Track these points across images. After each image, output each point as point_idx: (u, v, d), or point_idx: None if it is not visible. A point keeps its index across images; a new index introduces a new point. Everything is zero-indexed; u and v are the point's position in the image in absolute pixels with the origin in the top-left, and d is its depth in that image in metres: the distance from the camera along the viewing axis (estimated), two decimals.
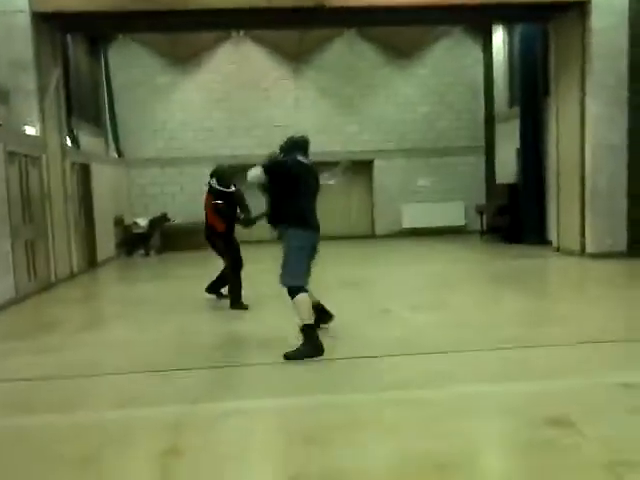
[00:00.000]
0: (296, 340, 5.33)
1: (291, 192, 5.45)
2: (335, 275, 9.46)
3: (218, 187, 7.65)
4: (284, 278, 5.38)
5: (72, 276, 10.92)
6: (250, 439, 3.63)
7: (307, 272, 5.50)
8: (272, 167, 5.47)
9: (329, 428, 3.69)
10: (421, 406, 4.00)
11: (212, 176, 7.84)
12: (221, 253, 7.87)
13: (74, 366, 5.34)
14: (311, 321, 5.31)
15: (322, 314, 5.91)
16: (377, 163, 16.72)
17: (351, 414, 3.92)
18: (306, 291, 5.40)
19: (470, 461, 3.25)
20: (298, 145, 5.68)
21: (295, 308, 5.35)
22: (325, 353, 5.23)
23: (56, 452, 3.53)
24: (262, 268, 8.02)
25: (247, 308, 7.41)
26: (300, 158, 5.57)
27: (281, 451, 3.42)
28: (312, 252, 5.53)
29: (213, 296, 8.03)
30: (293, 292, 5.34)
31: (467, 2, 10.29)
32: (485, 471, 3.19)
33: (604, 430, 3.48)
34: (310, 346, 5.20)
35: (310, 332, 5.26)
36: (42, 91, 10.11)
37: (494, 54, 15.90)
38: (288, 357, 5.14)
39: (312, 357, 5.15)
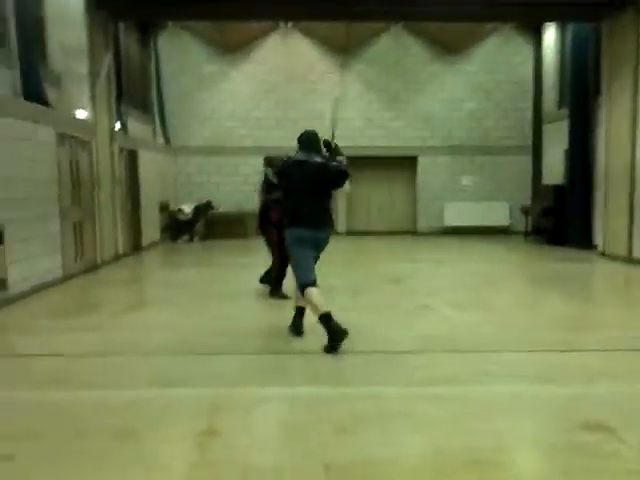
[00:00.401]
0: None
1: (284, 192, 5.70)
2: (376, 270, 9.46)
3: (272, 178, 7.58)
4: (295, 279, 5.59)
5: (117, 258, 11.16)
6: (285, 425, 3.68)
7: (309, 268, 5.51)
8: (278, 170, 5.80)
9: (362, 419, 3.71)
10: (456, 402, 3.98)
11: (267, 166, 7.84)
12: (272, 244, 7.72)
13: (116, 345, 5.47)
14: (324, 310, 5.29)
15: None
16: (421, 160, 16.62)
17: (384, 406, 3.93)
18: (312, 285, 5.41)
19: (504, 460, 3.23)
20: (300, 142, 5.73)
21: (307, 304, 5.50)
22: (363, 346, 5.26)
23: (96, 426, 3.63)
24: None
25: (287, 297, 7.45)
26: (299, 155, 5.63)
27: (314, 439, 3.45)
28: (311, 247, 5.52)
29: (266, 286, 7.92)
30: (301, 289, 5.48)
31: None
32: (519, 471, 3.17)
33: None
34: (333, 333, 5.21)
35: (327, 321, 5.26)
36: (93, 76, 10.33)
37: (544, 53, 15.62)
38: (328, 351, 5.19)
39: (341, 341, 5.17)
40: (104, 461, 3.19)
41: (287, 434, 3.56)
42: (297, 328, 5.77)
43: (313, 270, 5.58)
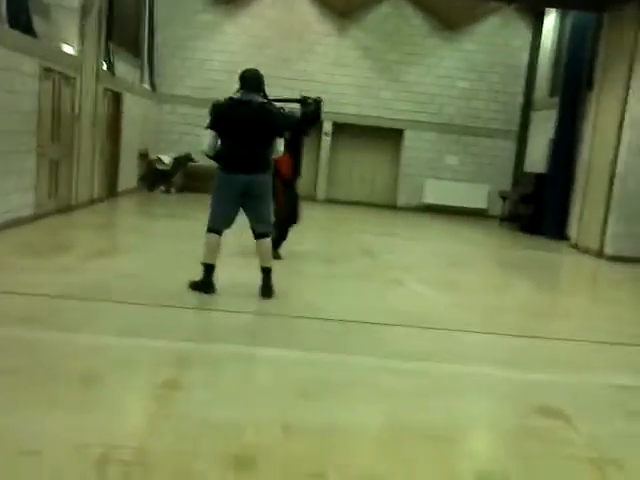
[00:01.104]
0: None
1: (221, 134, 5.44)
2: (352, 240, 9.48)
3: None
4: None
5: (92, 202, 11.00)
6: (249, 384, 3.70)
7: (221, 214, 5.50)
8: (211, 109, 5.48)
9: (326, 384, 3.75)
10: (419, 378, 4.04)
11: None
12: (276, 201, 7.11)
13: (85, 289, 5.42)
14: (207, 261, 5.48)
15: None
16: (407, 134, 16.55)
17: (349, 375, 3.97)
18: (215, 232, 5.49)
19: (460, 438, 3.30)
20: (243, 80, 5.46)
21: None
22: (334, 314, 5.31)
23: (60, 369, 3.61)
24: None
25: (280, 258, 7.29)
26: (238, 95, 5.41)
27: (276, 400, 3.48)
28: (235, 195, 5.43)
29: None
30: (207, 231, 5.53)
31: None
32: (473, 450, 3.23)
33: (596, 428, 3.50)
34: (201, 283, 5.49)
35: (205, 271, 5.49)
36: (84, 10, 10.03)
37: (542, 39, 15.55)
38: (189, 286, 5.50)
39: (200, 292, 5.45)
40: (66, 404, 3.18)
41: (249, 393, 3.58)
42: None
43: (228, 218, 5.52)
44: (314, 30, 16.09)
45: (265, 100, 5.51)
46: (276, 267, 5.87)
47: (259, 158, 5.46)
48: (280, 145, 5.55)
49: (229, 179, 5.45)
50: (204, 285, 5.52)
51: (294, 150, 7.15)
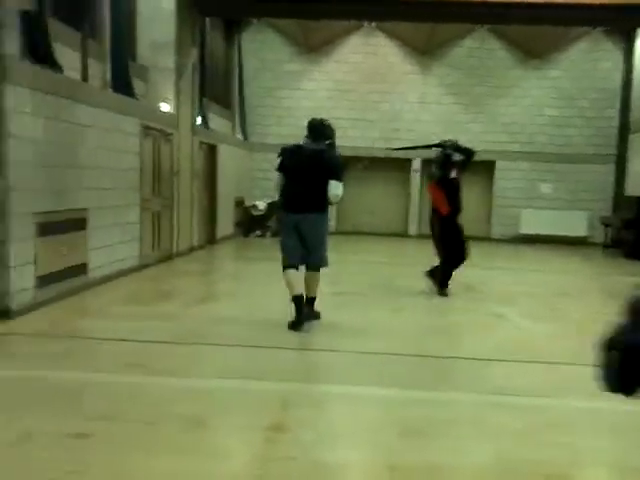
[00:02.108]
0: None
1: (284, 175, 5.93)
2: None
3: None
4: None
5: (192, 250, 11.41)
6: (353, 424, 3.68)
7: (288, 250, 5.86)
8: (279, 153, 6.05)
9: (429, 423, 3.68)
10: (528, 414, 3.89)
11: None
12: (435, 238, 7.95)
13: (188, 334, 5.59)
14: (295, 292, 5.77)
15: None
16: (499, 164, 16.27)
17: (456, 412, 3.87)
18: (291, 267, 5.82)
19: (578, 476, 3.13)
20: (308, 128, 5.99)
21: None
22: (438, 352, 5.25)
23: (166, 413, 3.72)
24: None
25: (447, 295, 7.73)
26: (302, 142, 5.91)
27: (382, 440, 3.43)
28: (293, 232, 5.83)
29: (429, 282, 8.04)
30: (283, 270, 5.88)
31: (610, 2, 9.77)
32: None
33: None
34: (298, 315, 5.73)
35: (296, 302, 5.76)
36: (179, 70, 10.60)
37: (635, 60, 15.00)
38: (290, 328, 5.71)
39: (295, 330, 5.68)
40: (172, 448, 3.26)
41: (354, 433, 3.56)
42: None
43: (294, 253, 5.85)
44: (397, 70, 16.25)
45: (324, 147, 5.87)
46: (371, 302, 5.80)
47: (310, 199, 5.81)
48: (335, 188, 5.79)
49: (287, 218, 5.96)
50: (294, 323, 5.75)
51: (446, 188, 7.70)
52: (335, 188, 5.79)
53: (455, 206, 7.79)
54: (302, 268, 5.97)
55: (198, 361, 4.86)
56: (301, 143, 5.94)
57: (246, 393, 4.13)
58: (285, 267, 5.87)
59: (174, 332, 5.65)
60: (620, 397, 1.63)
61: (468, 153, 7.95)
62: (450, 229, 7.79)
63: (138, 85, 9.35)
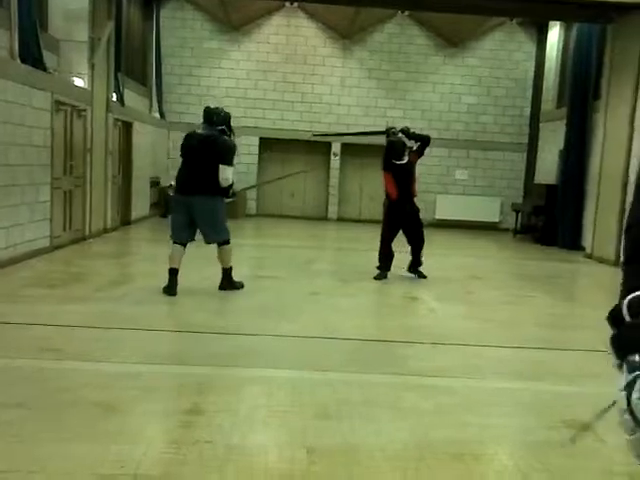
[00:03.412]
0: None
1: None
2: (365, 257, 9.43)
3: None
4: None
5: (105, 231, 11.08)
6: (269, 408, 3.68)
7: (175, 228, 6.45)
8: None
9: (345, 405, 3.73)
10: (440, 395, 4.00)
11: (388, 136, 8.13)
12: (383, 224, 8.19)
13: (100, 318, 5.44)
14: (171, 265, 6.35)
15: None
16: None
17: (368, 394, 3.94)
18: (176, 243, 6.40)
19: (487, 453, 3.26)
20: (203, 116, 6.53)
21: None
22: (353, 334, 5.28)
23: (80, 398, 3.61)
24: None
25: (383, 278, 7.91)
26: (199, 129, 6.49)
27: (298, 422, 3.46)
28: (182, 212, 6.33)
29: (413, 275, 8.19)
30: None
31: None
32: (501, 465, 3.19)
33: (623, 438, 3.44)
34: (167, 286, 6.28)
35: (170, 274, 6.32)
36: (93, 44, 10.19)
37: (547, 51, 15.59)
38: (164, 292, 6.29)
39: (168, 294, 6.24)
40: (86, 434, 3.18)
41: (271, 416, 3.56)
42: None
43: (180, 231, 6.39)
44: (319, 53, 16.24)
45: (215, 133, 6.36)
46: (289, 287, 5.84)
47: (198, 182, 6.26)
48: (224, 172, 6.25)
49: (176, 199, 6.54)
50: (167, 287, 6.28)
51: (396, 174, 7.89)
52: (223, 172, 6.25)
53: (405, 191, 7.91)
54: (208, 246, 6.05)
55: (113, 345, 4.74)
56: (200, 130, 6.46)
57: (162, 378, 4.06)
58: (173, 241, 6.44)
59: (88, 316, 5.48)
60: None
61: (423, 139, 8.17)
62: (398, 214, 7.97)
63: (50, 58, 8.93)
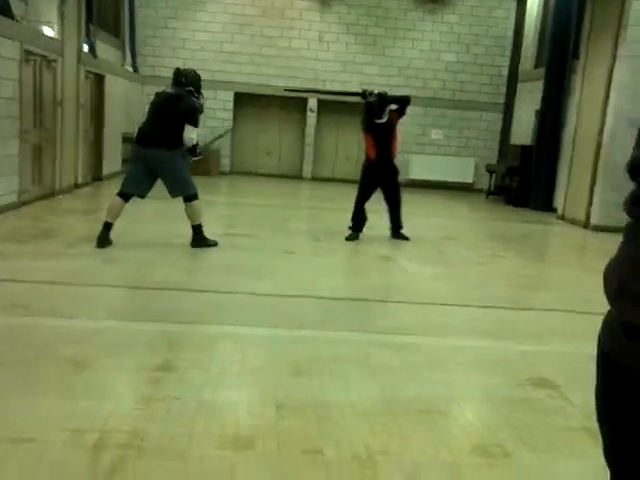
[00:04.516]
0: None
1: None
2: (336, 217, 9.43)
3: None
4: None
5: (76, 187, 10.90)
6: (240, 364, 3.70)
7: (127, 179, 6.60)
8: None
9: (315, 362, 3.76)
10: (409, 352, 4.06)
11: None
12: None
13: (72, 274, 5.40)
14: (107, 219, 6.45)
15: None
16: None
17: (338, 351, 3.98)
18: (120, 195, 6.49)
19: (454, 410, 3.33)
20: (172, 76, 6.72)
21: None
22: (325, 293, 5.31)
23: (51, 354, 3.60)
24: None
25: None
26: (167, 88, 6.73)
27: (269, 379, 3.49)
28: (139, 164, 6.50)
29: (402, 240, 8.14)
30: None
31: None
32: (468, 421, 3.26)
33: (588, 397, 3.52)
34: (99, 238, 6.35)
35: (104, 226, 6.41)
36: None
37: (527, 9, 15.44)
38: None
39: (98, 246, 6.31)
40: (55, 389, 3.18)
41: (241, 373, 3.58)
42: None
43: (130, 182, 6.52)
44: (296, 7, 15.91)
45: (182, 93, 6.48)
46: (262, 245, 5.80)
47: (156, 135, 6.38)
48: (189, 132, 6.38)
49: (134, 151, 6.75)
50: (99, 239, 6.34)
51: (375, 133, 7.88)
52: (188, 132, 6.38)
53: (384, 152, 7.90)
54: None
55: (83, 302, 4.71)
56: (168, 89, 6.66)
57: (133, 334, 4.05)
58: (117, 193, 6.53)
59: (58, 272, 5.43)
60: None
61: (402, 99, 8.11)
62: (375, 175, 7.98)
63: (17, 5, 8.62)
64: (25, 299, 4.64)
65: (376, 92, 7.94)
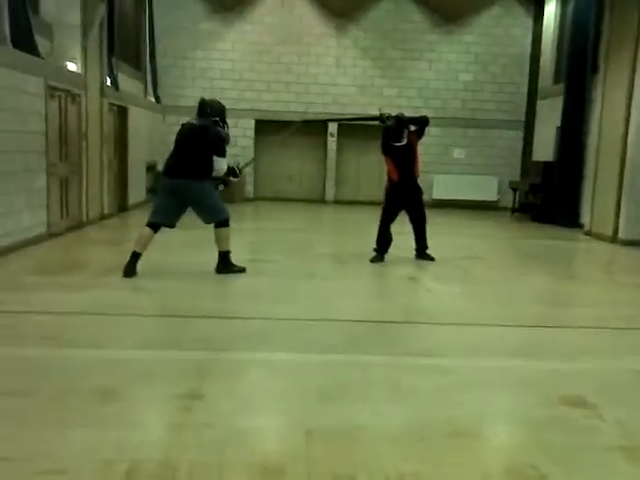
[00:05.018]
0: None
1: None
2: (363, 239, 9.42)
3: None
4: None
5: (102, 217, 11.05)
6: (268, 391, 3.69)
7: (157, 209, 6.62)
8: None
9: (343, 386, 3.74)
10: (439, 374, 4.01)
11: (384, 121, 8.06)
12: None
13: (100, 305, 5.44)
14: (135, 249, 6.51)
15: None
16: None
17: (367, 375, 3.95)
18: (149, 226, 6.57)
19: (486, 432, 3.28)
20: (198, 107, 6.66)
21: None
22: (351, 315, 5.30)
23: (80, 386, 3.62)
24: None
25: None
26: (192, 119, 6.65)
27: (298, 405, 3.47)
28: (167, 195, 6.53)
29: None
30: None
31: None
32: (500, 443, 3.21)
33: (624, 415, 3.46)
34: (126, 266, 6.41)
35: (132, 257, 6.45)
36: (86, 27, 10.09)
37: (544, 26, 15.46)
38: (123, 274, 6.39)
39: (125, 276, 6.36)
40: (87, 420, 3.19)
41: (269, 399, 3.57)
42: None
43: (159, 213, 6.58)
44: (313, 33, 16.09)
45: (207, 123, 6.48)
46: (287, 270, 5.79)
47: (184, 167, 6.41)
48: (217, 163, 6.45)
49: (162, 182, 6.69)
50: (126, 269, 6.39)
51: (395, 156, 7.91)
52: (217, 163, 6.44)
53: (407, 173, 7.92)
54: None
55: (112, 332, 4.74)
56: (193, 120, 6.63)
57: (162, 363, 4.06)
58: (146, 224, 6.60)
59: (86, 303, 5.48)
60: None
61: (420, 120, 8.09)
62: (398, 196, 7.99)
63: (42, 43, 8.85)
64: (55, 330, 4.69)
65: (393, 115, 7.94)
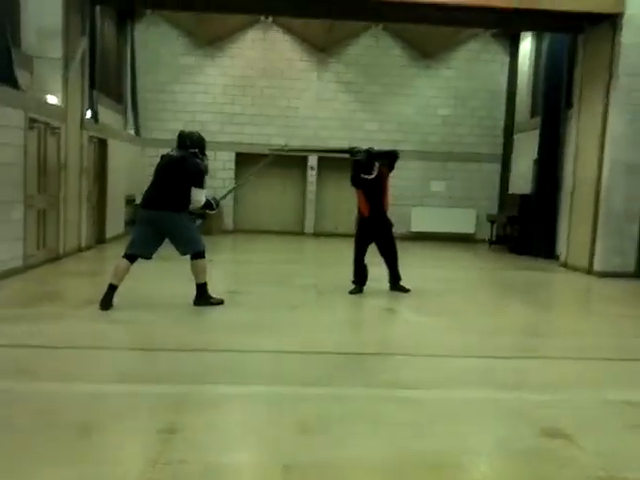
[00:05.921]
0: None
1: None
2: (341, 271, 9.44)
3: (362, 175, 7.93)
4: None
5: (80, 250, 10.94)
6: (246, 424, 3.65)
7: (135, 241, 6.58)
8: None
9: (323, 419, 3.71)
10: (418, 406, 4.00)
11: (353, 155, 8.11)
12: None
13: (75, 337, 5.37)
14: (112, 281, 6.46)
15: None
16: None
17: (346, 408, 3.92)
18: (126, 257, 6.52)
19: (465, 464, 3.25)
20: (177, 139, 6.69)
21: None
22: (330, 347, 5.28)
23: (56, 420, 3.55)
24: None
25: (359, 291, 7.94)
26: (171, 151, 6.67)
27: (275, 439, 3.43)
28: (145, 226, 6.53)
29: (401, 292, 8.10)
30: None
31: (499, 5, 10.20)
32: (481, 475, 3.18)
33: (602, 445, 3.47)
34: (103, 299, 6.36)
35: (109, 289, 6.41)
36: (67, 60, 10.12)
37: (520, 62, 15.83)
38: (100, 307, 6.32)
39: (102, 309, 6.31)
40: (63, 456, 3.12)
41: (248, 434, 3.53)
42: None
43: (136, 244, 6.54)
44: (295, 67, 16.29)
45: (186, 155, 6.50)
46: (265, 302, 5.78)
47: (161, 198, 6.42)
48: (195, 194, 6.45)
49: (140, 214, 6.71)
50: (103, 301, 6.35)
51: (366, 189, 7.95)
52: (195, 194, 6.46)
53: (376, 207, 7.99)
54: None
55: (88, 365, 4.67)
56: (171, 152, 6.65)
57: (138, 397, 4.00)
58: (123, 255, 6.57)
59: (62, 335, 5.41)
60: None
61: (390, 154, 8.19)
62: (368, 230, 8.06)
63: (23, 75, 8.85)
64: (29, 364, 4.60)
65: (364, 149, 8.04)
